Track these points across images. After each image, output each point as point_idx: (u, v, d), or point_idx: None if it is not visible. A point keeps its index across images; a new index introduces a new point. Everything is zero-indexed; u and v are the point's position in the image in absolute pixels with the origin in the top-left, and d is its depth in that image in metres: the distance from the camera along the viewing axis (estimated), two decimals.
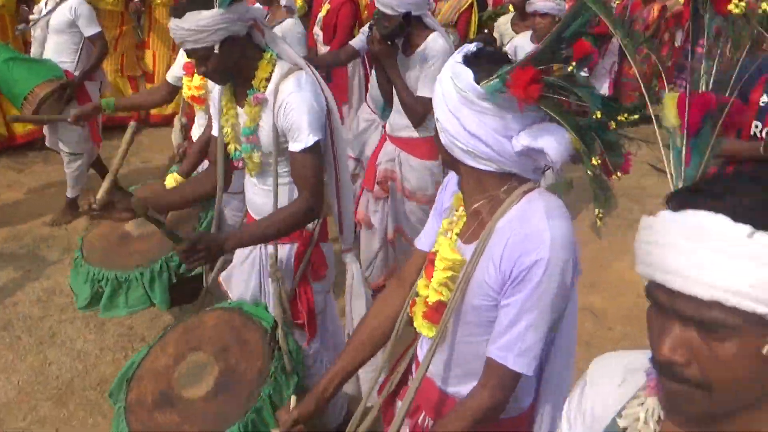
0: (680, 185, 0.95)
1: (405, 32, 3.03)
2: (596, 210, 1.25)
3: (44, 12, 4.12)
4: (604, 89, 7.50)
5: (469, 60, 1.31)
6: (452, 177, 1.56)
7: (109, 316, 2.63)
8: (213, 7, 1.92)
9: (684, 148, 0.96)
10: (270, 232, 2.08)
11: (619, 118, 1.19)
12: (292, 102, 2.01)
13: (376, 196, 3.50)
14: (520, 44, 4.21)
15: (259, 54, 2.09)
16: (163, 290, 2.51)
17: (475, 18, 5.61)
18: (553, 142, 1.24)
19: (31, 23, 4.31)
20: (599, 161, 1.20)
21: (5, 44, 4.05)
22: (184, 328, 2.25)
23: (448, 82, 1.32)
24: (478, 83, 1.26)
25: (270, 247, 2.26)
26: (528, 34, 4.25)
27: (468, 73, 1.28)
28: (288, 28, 3.97)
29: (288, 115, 2.02)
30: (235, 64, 2.04)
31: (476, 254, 1.36)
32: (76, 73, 4.14)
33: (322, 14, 4.99)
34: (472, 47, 1.34)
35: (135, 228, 2.69)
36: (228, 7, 1.93)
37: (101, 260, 2.55)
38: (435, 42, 3.09)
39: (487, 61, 1.30)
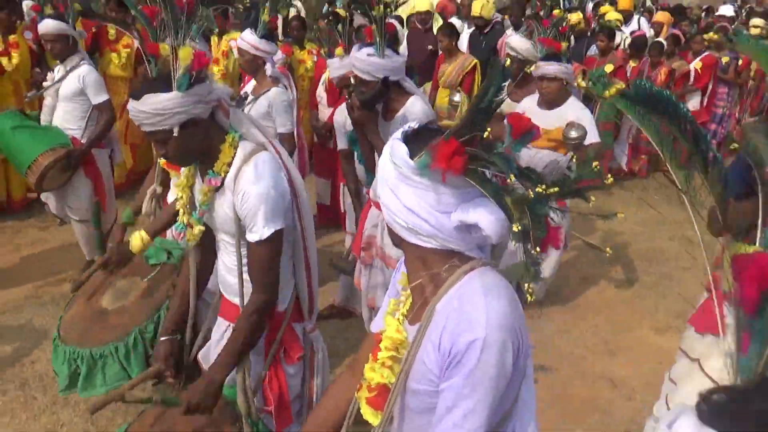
0: (731, 376, 0.73)
1: (385, 97, 3.02)
2: (525, 285, 1.22)
3: (55, 80, 4.19)
4: (622, 153, 7.47)
5: (408, 137, 1.32)
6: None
7: (88, 396, 2.53)
8: (171, 90, 1.87)
9: (741, 328, 0.74)
10: (239, 347, 2.07)
11: (538, 190, 1.16)
12: (249, 192, 1.95)
13: (364, 262, 3.47)
14: (529, 106, 4.11)
15: (222, 137, 2.02)
16: (140, 363, 2.43)
17: (478, 79, 5.64)
18: (487, 216, 1.21)
19: (41, 90, 4.38)
20: (519, 228, 1.16)
21: (14, 112, 4.08)
22: (163, 408, 2.20)
23: (386, 159, 1.31)
24: (412, 159, 1.26)
25: None
26: (535, 96, 4.16)
27: (403, 149, 1.28)
28: (274, 97, 4.02)
29: (245, 204, 1.97)
30: (199, 145, 1.99)
31: (419, 335, 1.32)
32: (83, 140, 4.18)
33: (326, 75, 5.04)
34: (413, 125, 1.36)
35: (111, 303, 2.64)
36: (187, 90, 1.88)
37: (77, 339, 2.51)
38: (414, 106, 3.09)
39: (425, 137, 1.29)
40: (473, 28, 7.38)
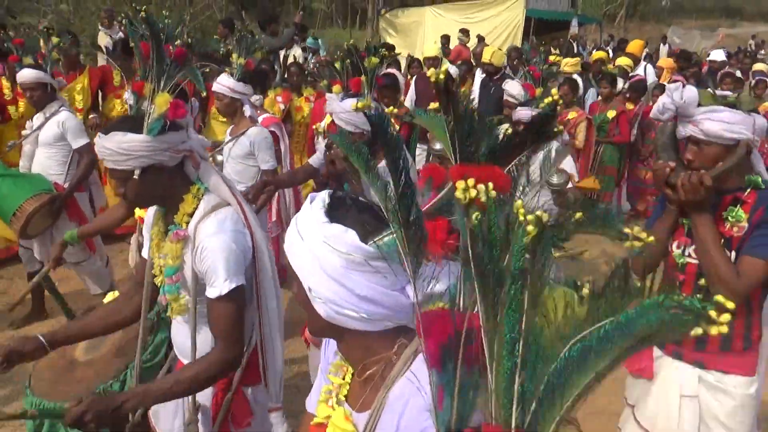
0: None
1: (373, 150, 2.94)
2: None
3: (34, 128, 4.20)
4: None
5: (331, 216, 1.13)
6: None
7: None
8: (141, 132, 1.83)
9: (436, 383, 0.76)
10: (179, 389, 1.86)
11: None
12: (208, 245, 1.85)
13: None
14: None
15: (187, 187, 1.95)
16: None
17: None
18: (451, 277, 1.06)
19: (21, 139, 4.38)
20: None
21: None
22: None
23: (321, 247, 1.11)
24: (365, 242, 1.09)
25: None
26: None
27: (350, 234, 1.10)
28: (255, 135, 4.06)
29: (204, 259, 1.86)
30: (159, 191, 1.93)
31: (370, 423, 1.19)
32: (66, 185, 4.14)
33: (326, 122, 5.03)
34: (324, 196, 1.17)
35: (83, 353, 2.57)
36: (157, 135, 1.83)
37: (44, 391, 2.41)
38: None
39: (355, 213, 1.14)
40: (484, 75, 7.46)
